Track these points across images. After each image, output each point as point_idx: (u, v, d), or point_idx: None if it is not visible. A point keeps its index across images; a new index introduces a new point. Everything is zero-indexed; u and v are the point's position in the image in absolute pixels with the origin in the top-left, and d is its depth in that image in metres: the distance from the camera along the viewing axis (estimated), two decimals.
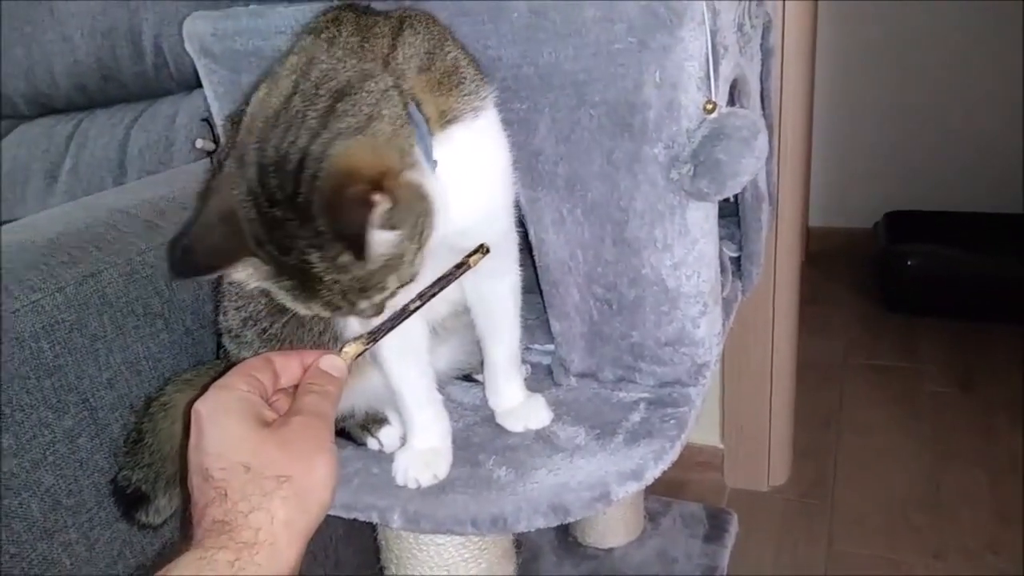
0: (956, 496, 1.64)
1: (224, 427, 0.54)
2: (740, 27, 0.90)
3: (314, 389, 0.59)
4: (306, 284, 0.57)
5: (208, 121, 0.98)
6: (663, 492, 1.57)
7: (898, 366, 2.13)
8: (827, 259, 2.69)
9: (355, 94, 0.58)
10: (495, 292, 0.79)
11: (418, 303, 0.67)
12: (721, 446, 1.72)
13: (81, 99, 1.51)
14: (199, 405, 0.55)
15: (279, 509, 0.50)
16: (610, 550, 1.41)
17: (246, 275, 0.60)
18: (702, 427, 1.70)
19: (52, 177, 1.52)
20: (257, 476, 0.51)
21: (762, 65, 1.09)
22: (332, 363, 0.62)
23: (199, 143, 1.02)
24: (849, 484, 1.71)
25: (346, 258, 0.55)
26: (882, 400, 1.99)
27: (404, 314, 0.66)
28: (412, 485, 0.77)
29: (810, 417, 1.86)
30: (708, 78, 0.74)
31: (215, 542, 0.48)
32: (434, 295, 0.67)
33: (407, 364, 0.76)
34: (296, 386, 0.61)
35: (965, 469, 1.71)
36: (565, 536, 1.44)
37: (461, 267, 0.68)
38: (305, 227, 0.54)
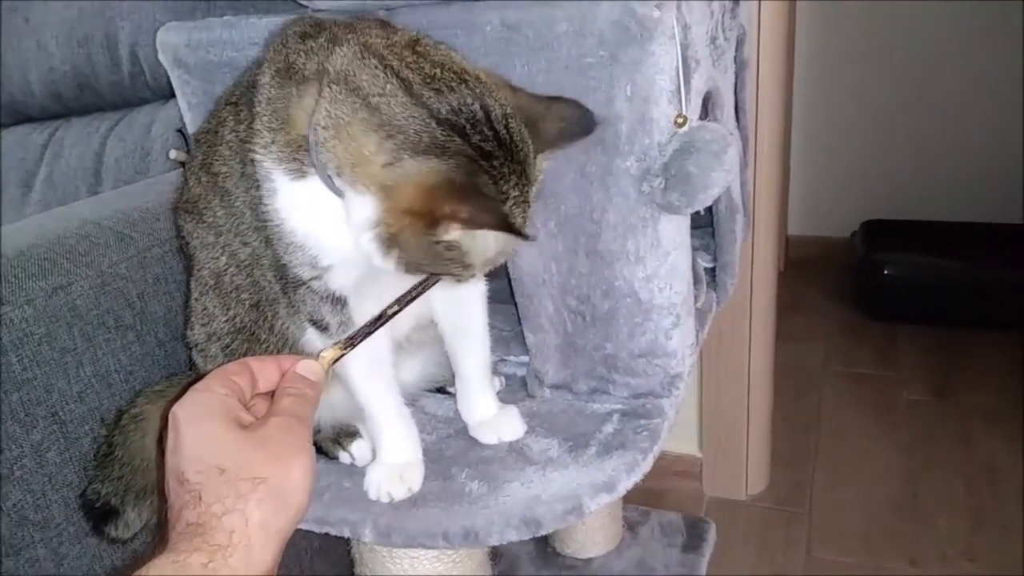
0: (933, 502, 1.65)
1: (201, 429, 0.54)
2: (713, 40, 0.91)
3: (292, 392, 0.59)
4: (526, 206, 0.63)
5: (182, 132, 0.98)
6: (641, 501, 1.57)
7: (876, 374, 2.14)
8: (806, 267, 2.71)
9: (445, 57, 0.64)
10: (462, 302, 0.80)
11: (396, 308, 0.66)
12: (699, 455, 1.72)
13: (56, 107, 1.50)
14: (176, 408, 0.55)
15: (254, 511, 0.50)
16: (588, 560, 1.41)
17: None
18: (680, 436, 1.71)
19: (27, 186, 1.50)
20: (232, 478, 0.51)
21: (736, 77, 1.10)
22: (309, 367, 0.62)
23: (172, 154, 1.02)
24: (827, 491, 1.71)
25: (539, 171, 0.64)
26: (860, 407, 2.00)
27: (381, 319, 0.66)
28: (386, 499, 0.77)
29: (788, 425, 1.87)
30: (679, 92, 0.75)
31: (188, 545, 0.48)
32: (412, 300, 0.67)
33: (374, 380, 0.76)
34: (274, 392, 0.61)
35: (942, 476, 1.72)
36: (543, 546, 1.44)
37: (434, 276, 0.68)
38: (513, 162, 0.61)
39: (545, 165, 0.66)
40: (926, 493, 1.68)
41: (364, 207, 0.60)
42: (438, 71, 0.61)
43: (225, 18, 0.90)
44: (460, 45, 0.76)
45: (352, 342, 0.65)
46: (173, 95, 0.96)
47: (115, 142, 1.41)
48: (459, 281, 0.66)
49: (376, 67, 0.60)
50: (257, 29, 0.85)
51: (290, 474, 0.53)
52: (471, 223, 0.58)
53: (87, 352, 0.84)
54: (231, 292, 0.77)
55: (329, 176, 0.62)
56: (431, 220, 0.58)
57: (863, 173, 2.70)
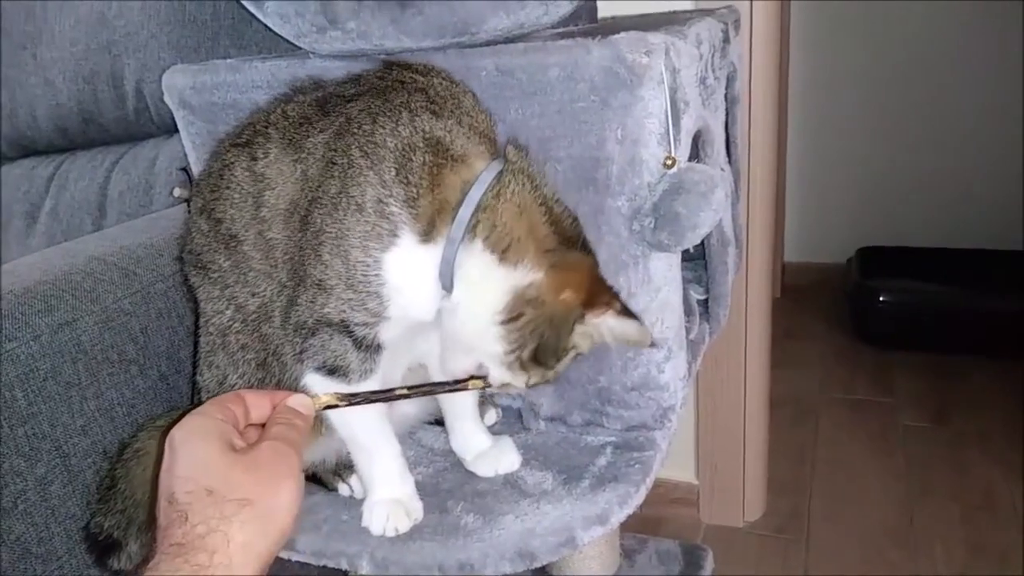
0: (929, 529, 1.65)
1: (195, 450, 0.56)
2: (703, 80, 0.93)
3: (282, 421, 0.62)
4: None
5: (186, 170, 1.00)
6: (639, 529, 1.58)
7: (872, 400, 2.16)
8: (802, 294, 2.73)
9: None
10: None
11: (405, 392, 0.71)
12: (696, 482, 1.73)
13: (62, 142, 1.53)
14: (174, 431, 0.57)
15: (237, 532, 0.52)
16: None
17: None
18: (677, 463, 1.72)
19: (32, 219, 1.52)
20: (219, 500, 0.53)
21: (727, 113, 1.13)
22: (300, 401, 0.65)
23: (176, 191, 1.04)
24: (824, 518, 1.72)
25: None
26: (856, 434, 2.01)
27: (387, 395, 0.71)
28: (392, 533, 0.77)
29: (785, 451, 1.88)
30: (668, 134, 0.77)
31: (170, 565, 0.50)
32: (422, 394, 0.74)
33: (369, 415, 0.76)
34: (265, 424, 0.63)
35: (938, 502, 1.73)
36: (541, 574, 1.44)
37: (460, 384, 0.72)
38: None
39: None
40: (922, 520, 1.68)
41: (515, 276, 0.68)
42: None
43: (229, 61, 0.93)
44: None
45: (351, 400, 0.69)
46: (177, 130, 0.98)
47: (119, 176, 1.44)
48: (516, 382, 0.73)
49: (539, 172, 0.72)
50: (260, 73, 0.87)
51: (277, 497, 0.55)
52: (622, 313, 0.71)
53: (91, 387, 0.85)
54: (238, 352, 0.79)
55: (462, 244, 0.68)
56: (589, 301, 0.70)
57: (858, 200, 2.73)
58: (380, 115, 0.70)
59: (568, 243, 0.71)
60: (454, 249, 0.68)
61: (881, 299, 2.37)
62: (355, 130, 0.70)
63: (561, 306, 0.69)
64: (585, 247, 0.73)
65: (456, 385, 0.72)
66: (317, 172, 0.71)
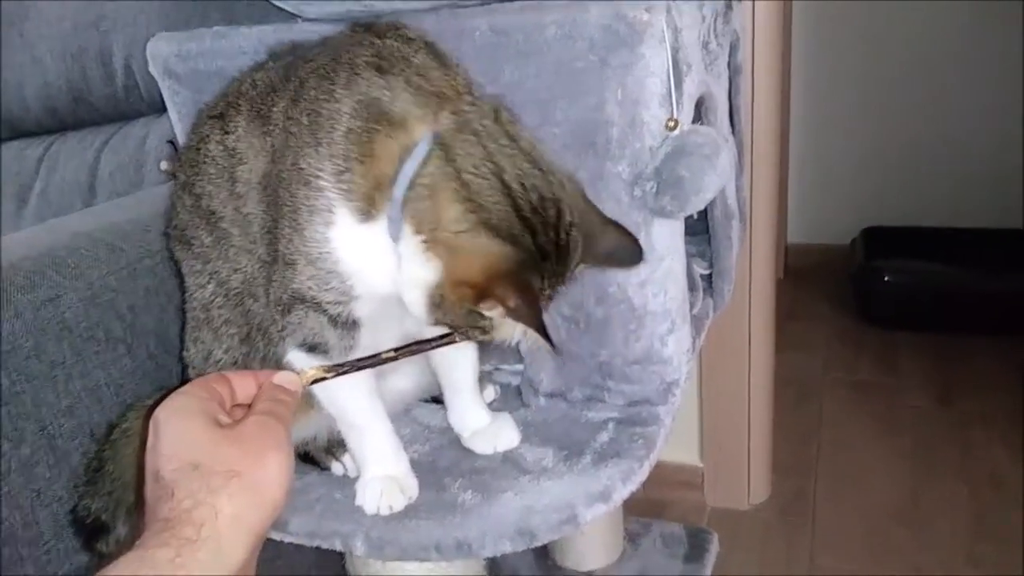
0: (935, 510, 1.63)
1: (179, 428, 0.54)
2: (705, 45, 0.90)
3: (267, 398, 0.60)
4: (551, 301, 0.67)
5: (173, 143, 0.98)
6: (643, 512, 1.56)
7: (877, 381, 2.13)
8: (806, 275, 2.70)
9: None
10: None
11: (392, 354, 0.68)
12: (700, 465, 1.71)
13: (52, 122, 1.50)
14: (158, 410, 0.56)
15: (225, 505, 0.50)
16: (589, 573, 1.40)
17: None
18: (681, 446, 1.70)
19: (22, 200, 1.50)
20: (205, 473, 0.51)
21: (730, 82, 1.10)
22: (286, 378, 0.63)
23: (163, 165, 1.02)
24: (829, 500, 1.70)
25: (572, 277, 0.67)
26: (861, 415, 1.99)
27: (374, 359, 0.68)
28: (386, 512, 0.75)
29: (790, 433, 1.86)
30: (670, 95, 0.74)
31: (157, 540, 0.48)
32: (410, 353, 0.69)
33: (360, 392, 0.75)
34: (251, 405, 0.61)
35: (944, 483, 1.71)
36: (543, 559, 1.43)
37: (446, 337, 0.69)
38: (560, 265, 0.65)
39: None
40: (928, 500, 1.66)
41: (426, 269, 0.62)
42: (527, 166, 0.63)
43: (215, 28, 0.90)
44: (448, 51, 0.75)
45: (338, 371, 0.66)
46: (167, 108, 0.96)
47: (109, 155, 1.41)
48: (472, 341, 0.68)
49: (474, 144, 0.62)
50: (248, 39, 0.85)
51: (265, 469, 0.53)
52: (513, 313, 0.62)
53: (77, 366, 0.83)
54: (221, 327, 0.77)
55: (399, 224, 0.63)
56: (481, 293, 0.61)
57: (862, 180, 2.70)
58: (323, 79, 0.66)
59: (489, 227, 0.61)
60: (397, 228, 0.63)
61: (885, 279, 2.35)
62: (305, 95, 0.66)
63: (457, 300, 0.63)
64: (512, 236, 0.62)
65: (443, 340, 0.69)
66: (281, 143, 0.68)
